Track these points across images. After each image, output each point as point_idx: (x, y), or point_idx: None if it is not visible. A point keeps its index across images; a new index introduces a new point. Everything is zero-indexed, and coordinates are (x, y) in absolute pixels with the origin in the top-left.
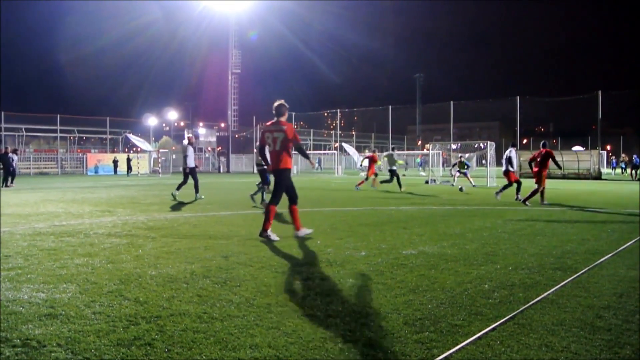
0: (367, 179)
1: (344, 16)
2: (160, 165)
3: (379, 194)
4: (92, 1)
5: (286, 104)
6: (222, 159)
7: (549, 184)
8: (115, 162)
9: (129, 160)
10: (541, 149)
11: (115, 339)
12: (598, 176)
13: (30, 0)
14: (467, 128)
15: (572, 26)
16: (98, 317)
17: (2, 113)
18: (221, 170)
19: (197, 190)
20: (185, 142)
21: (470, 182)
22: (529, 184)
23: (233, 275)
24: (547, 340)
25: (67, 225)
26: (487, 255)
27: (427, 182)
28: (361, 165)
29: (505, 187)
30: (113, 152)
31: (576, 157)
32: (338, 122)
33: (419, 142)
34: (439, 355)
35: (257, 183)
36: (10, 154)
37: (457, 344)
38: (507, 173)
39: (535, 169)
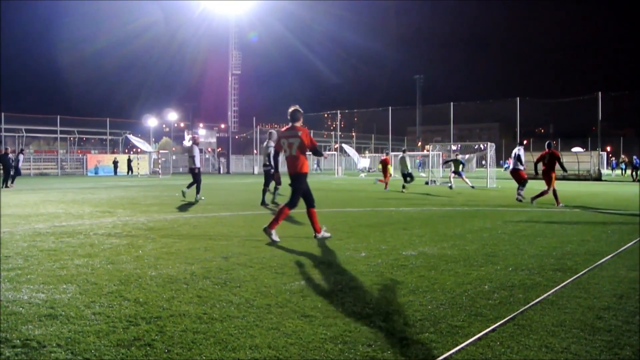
0: (385, 180)
1: (344, 17)
2: (160, 166)
3: (379, 194)
4: (92, 2)
5: (301, 109)
6: (222, 159)
7: (537, 184)
8: (115, 163)
9: (129, 161)
10: (546, 149)
11: (115, 340)
12: (598, 177)
13: (30, 0)
14: (467, 129)
15: (572, 27)
16: (98, 317)
17: (2, 114)
18: (221, 171)
19: (198, 191)
20: (191, 142)
21: (467, 183)
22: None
23: (233, 276)
24: (547, 341)
25: (67, 226)
26: (487, 256)
27: (427, 183)
28: (364, 167)
29: (523, 185)
30: (113, 153)
31: (576, 158)
32: (338, 123)
33: (419, 143)
34: (439, 356)
35: (274, 187)
36: (10, 155)
37: (457, 345)
38: (516, 172)
39: (543, 168)
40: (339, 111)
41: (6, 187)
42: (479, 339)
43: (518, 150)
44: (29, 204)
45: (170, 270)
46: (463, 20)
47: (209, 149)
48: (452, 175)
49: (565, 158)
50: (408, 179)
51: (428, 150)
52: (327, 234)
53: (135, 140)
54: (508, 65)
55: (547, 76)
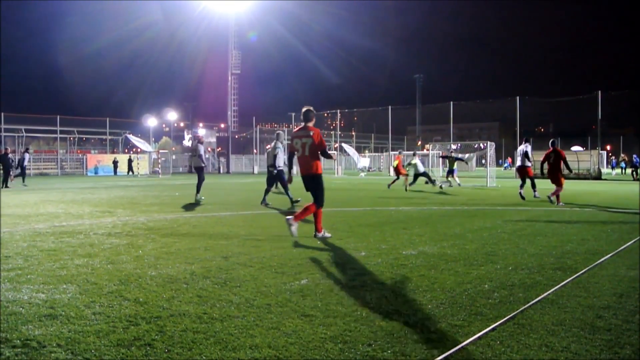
0: (400, 177)
1: (343, 17)
2: (160, 166)
3: (378, 193)
4: (92, 1)
5: (313, 110)
6: (222, 159)
7: (542, 184)
8: (115, 162)
9: (130, 161)
10: (550, 147)
11: (115, 340)
12: (598, 176)
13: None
14: (467, 128)
15: (572, 26)
16: (98, 317)
17: (2, 114)
18: (221, 171)
19: (198, 191)
20: (195, 141)
21: (456, 181)
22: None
23: (233, 275)
24: (547, 340)
25: (67, 225)
26: (487, 255)
27: (427, 182)
28: (364, 167)
29: (534, 184)
30: (113, 152)
31: (576, 157)
32: (338, 122)
33: (419, 143)
34: (439, 355)
35: (284, 188)
36: (10, 155)
37: (457, 344)
38: (524, 169)
39: (548, 168)
40: (338, 111)
41: (6, 186)
42: (479, 338)
43: (525, 147)
44: (28, 204)
45: (170, 270)
46: (463, 19)
47: (209, 149)
48: (454, 174)
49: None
50: (426, 180)
51: (428, 150)
52: (327, 234)
53: (135, 140)
54: (508, 64)
55: (547, 75)
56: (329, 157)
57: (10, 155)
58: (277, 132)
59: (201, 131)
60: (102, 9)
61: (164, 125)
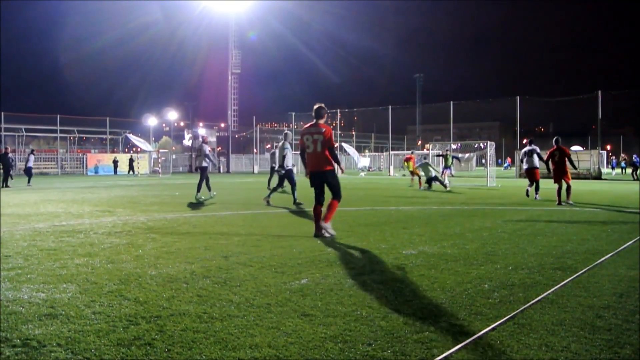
0: (418, 178)
1: (343, 16)
2: (160, 166)
3: (378, 193)
4: (92, 1)
5: (325, 107)
6: (222, 159)
7: (545, 183)
8: (115, 162)
9: (131, 160)
10: (554, 145)
11: (115, 339)
12: (598, 176)
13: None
14: (467, 128)
15: (572, 26)
16: (98, 317)
17: (2, 113)
18: (221, 171)
19: (198, 190)
20: (200, 141)
21: (445, 180)
22: (519, 183)
23: (233, 275)
24: (547, 340)
25: (67, 225)
26: (487, 255)
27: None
28: (364, 166)
29: (537, 187)
30: (113, 152)
31: (576, 156)
32: (338, 122)
33: (419, 142)
34: (439, 355)
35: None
36: (9, 154)
37: (457, 344)
38: (534, 170)
39: (553, 167)
40: (338, 110)
41: (6, 186)
42: (479, 337)
43: (534, 148)
44: (28, 204)
45: (170, 269)
46: (463, 19)
47: (209, 148)
48: (446, 172)
49: None
50: (436, 182)
51: (428, 150)
52: (332, 232)
53: (135, 139)
54: (508, 64)
55: (547, 75)
56: (335, 159)
57: (10, 155)
58: (285, 132)
59: (201, 130)
60: (102, 9)
61: (164, 125)
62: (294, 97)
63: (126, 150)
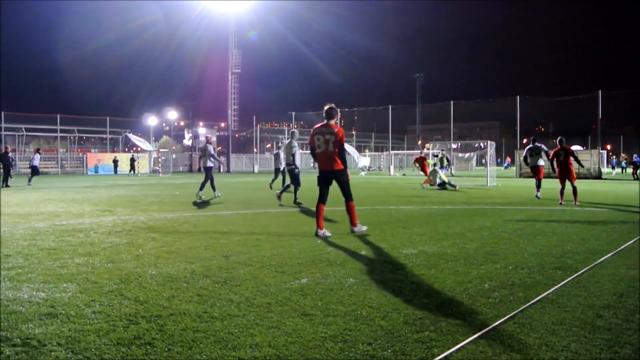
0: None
1: (344, 16)
2: (160, 165)
3: (378, 192)
4: (92, 1)
5: (336, 107)
6: (222, 158)
7: (549, 182)
8: (115, 161)
9: (132, 160)
10: (558, 145)
11: (115, 338)
12: (598, 176)
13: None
14: (467, 128)
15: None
16: (98, 316)
17: (2, 113)
18: (221, 170)
19: (201, 189)
20: (205, 141)
21: (431, 180)
22: (517, 184)
23: (233, 274)
24: (547, 339)
25: (67, 224)
26: (487, 254)
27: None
28: (364, 166)
29: (539, 185)
30: (113, 151)
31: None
32: (338, 121)
33: (419, 142)
34: (439, 355)
35: (269, 183)
36: (9, 154)
37: (457, 343)
38: (539, 168)
39: (558, 168)
40: (339, 110)
41: (7, 186)
42: (479, 337)
43: (539, 145)
44: (29, 203)
45: (171, 269)
46: (463, 19)
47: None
48: (444, 171)
49: None
50: (448, 186)
51: (428, 149)
52: (363, 228)
53: (135, 139)
54: (508, 63)
55: (547, 75)
56: (344, 159)
57: (10, 155)
58: (292, 130)
59: (202, 130)
60: (102, 9)
61: (164, 124)
62: (294, 96)
63: (126, 149)
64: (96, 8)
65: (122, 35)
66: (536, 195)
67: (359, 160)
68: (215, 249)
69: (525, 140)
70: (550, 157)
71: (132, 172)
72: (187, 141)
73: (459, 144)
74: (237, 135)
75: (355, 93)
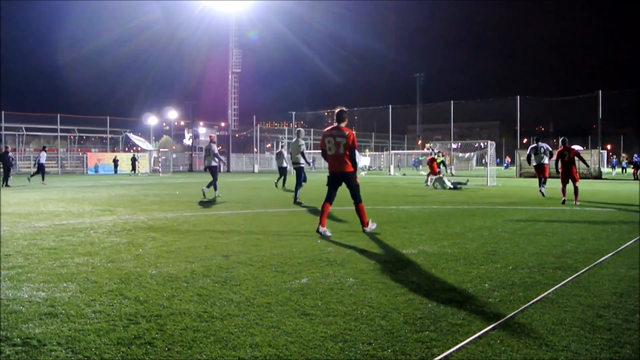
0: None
1: (344, 16)
2: (160, 165)
3: (378, 192)
4: (92, 1)
5: (346, 110)
6: (223, 158)
7: (550, 182)
8: (115, 161)
9: (134, 159)
10: (561, 146)
11: (115, 338)
12: (598, 176)
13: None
14: (467, 127)
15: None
16: (98, 316)
17: (3, 112)
18: (221, 170)
19: (215, 188)
20: (208, 140)
21: (426, 180)
22: (516, 183)
23: (233, 274)
24: (547, 339)
25: (67, 224)
26: (487, 254)
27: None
28: (365, 166)
29: (544, 182)
30: (113, 151)
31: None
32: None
33: (419, 142)
34: (439, 355)
35: (275, 180)
36: (10, 153)
37: (457, 343)
38: (543, 166)
39: (561, 169)
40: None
41: (7, 185)
42: (479, 337)
43: (543, 143)
44: (29, 203)
45: (171, 268)
46: (463, 18)
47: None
48: (442, 172)
49: None
50: (459, 185)
51: (428, 149)
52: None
53: (135, 138)
54: (508, 63)
55: (548, 74)
56: (354, 160)
57: (10, 154)
58: (298, 129)
59: (202, 130)
60: (102, 9)
61: (164, 124)
62: (295, 96)
63: (126, 149)
64: (96, 8)
65: (122, 35)
66: (540, 191)
67: (359, 160)
68: (215, 248)
69: (525, 140)
70: (555, 158)
71: (133, 171)
72: (187, 141)
73: (459, 143)
74: (237, 135)
75: (355, 93)
